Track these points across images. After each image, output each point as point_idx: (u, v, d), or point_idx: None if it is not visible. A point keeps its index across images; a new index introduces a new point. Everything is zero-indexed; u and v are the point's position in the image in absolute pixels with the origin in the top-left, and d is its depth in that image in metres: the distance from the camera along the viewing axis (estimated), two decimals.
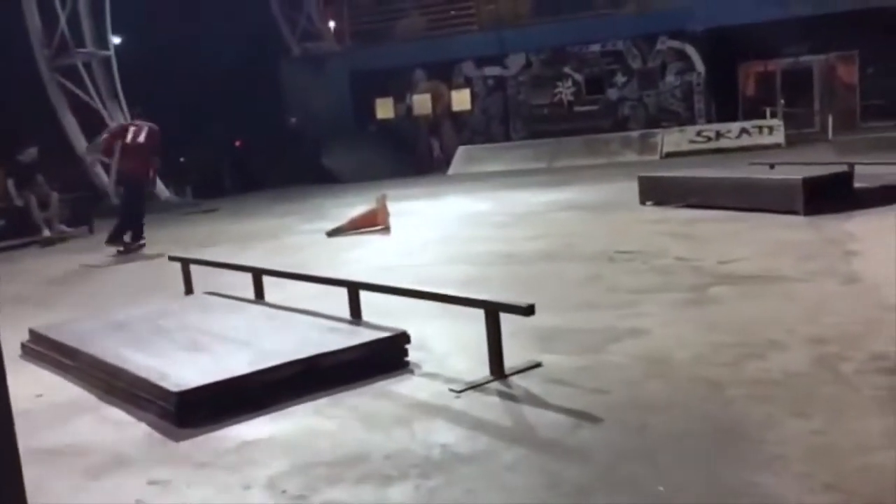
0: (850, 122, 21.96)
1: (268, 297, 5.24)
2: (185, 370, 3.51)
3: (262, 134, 21.67)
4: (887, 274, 4.86)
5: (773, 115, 19.52)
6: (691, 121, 21.35)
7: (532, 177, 16.30)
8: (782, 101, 20.30)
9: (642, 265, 5.83)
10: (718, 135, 18.98)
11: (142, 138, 9.47)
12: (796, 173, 8.03)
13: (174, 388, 3.27)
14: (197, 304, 5.15)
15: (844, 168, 8.47)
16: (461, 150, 21.57)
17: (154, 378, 3.45)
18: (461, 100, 24.09)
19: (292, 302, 4.90)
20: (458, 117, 24.13)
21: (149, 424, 3.25)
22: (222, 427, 3.14)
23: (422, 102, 24.26)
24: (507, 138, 23.40)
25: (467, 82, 24.18)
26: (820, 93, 22.91)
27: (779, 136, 18.50)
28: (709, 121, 21.51)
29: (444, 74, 24.08)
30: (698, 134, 19.21)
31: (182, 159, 19.31)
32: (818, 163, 10.23)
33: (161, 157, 10.10)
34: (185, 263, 6.28)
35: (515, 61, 23.88)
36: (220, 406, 3.26)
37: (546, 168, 18.68)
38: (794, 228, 6.90)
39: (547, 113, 23.50)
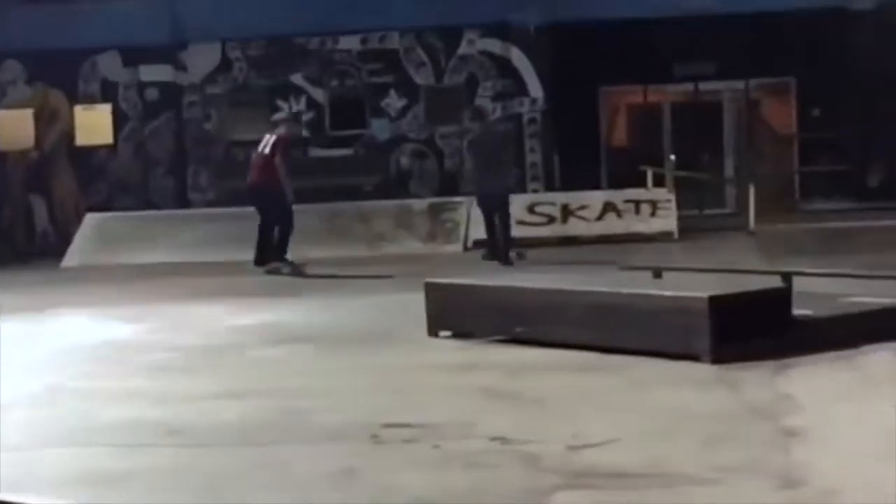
0: (785, 199, 24.28)
1: None
2: None
3: None
4: (847, 470, 5.24)
5: (660, 183, 21.01)
6: (519, 186, 22.50)
7: (227, 277, 16.30)
8: (673, 158, 21.97)
9: (432, 451, 5.93)
10: (567, 212, 20.12)
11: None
12: (699, 289, 8.62)
13: None
14: None
15: (778, 282, 9.28)
16: (91, 222, 21.15)
17: None
18: (93, 125, 23.91)
19: None
20: (86, 158, 23.87)
21: None
22: None
23: (14, 126, 23.70)
24: (183, 204, 23.46)
25: (106, 93, 24.10)
26: (735, 146, 25.21)
27: (668, 221, 19.93)
28: (550, 186, 22.84)
29: (60, 76, 23.85)
30: (531, 209, 20.21)
31: None
32: (735, 270, 11.10)
33: None
34: None
35: (201, 58, 24.25)
36: None
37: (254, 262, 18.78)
38: (697, 387, 7.30)
39: None
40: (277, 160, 16.15)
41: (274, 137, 16.45)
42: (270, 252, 16.21)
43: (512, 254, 16.28)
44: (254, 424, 6.83)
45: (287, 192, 16.28)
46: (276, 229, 16.25)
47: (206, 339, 10.49)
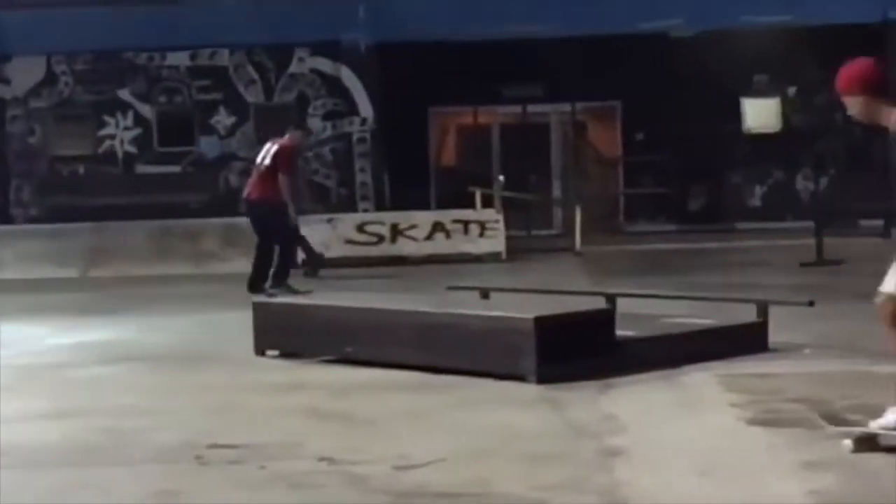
0: (610, 220, 24.77)
1: None
2: None
3: None
4: (667, 489, 5.37)
5: (489, 204, 21.23)
6: (349, 205, 22.54)
7: (49, 294, 15.98)
8: (501, 179, 22.23)
9: (258, 472, 5.89)
10: (396, 232, 20.19)
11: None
12: (525, 309, 8.74)
13: None
14: None
15: (602, 303, 9.47)
16: None
17: None
18: None
19: None
20: None
21: None
22: None
23: None
24: (5, 219, 22.92)
25: None
26: (562, 168, 25.64)
27: (497, 241, 20.13)
28: (380, 206, 22.90)
29: None
30: (361, 229, 20.25)
31: None
32: (561, 291, 11.29)
33: None
34: None
35: (25, 71, 23.76)
36: None
37: (78, 279, 18.41)
38: (522, 407, 7.40)
39: (84, 174, 23.48)
40: (281, 176, 14.28)
41: (276, 147, 14.59)
42: (266, 277, 14.23)
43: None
44: (77, 445, 6.72)
45: (290, 208, 14.54)
46: (276, 251, 14.38)
47: (28, 357, 10.28)
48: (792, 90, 25.26)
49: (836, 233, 18.27)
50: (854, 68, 6.26)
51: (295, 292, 13.57)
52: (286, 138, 14.81)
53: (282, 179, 14.24)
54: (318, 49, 23.73)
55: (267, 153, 14.54)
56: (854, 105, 6.22)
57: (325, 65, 23.84)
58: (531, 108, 25.35)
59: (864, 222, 22.15)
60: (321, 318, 9.60)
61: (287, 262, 14.55)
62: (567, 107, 25.30)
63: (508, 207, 20.93)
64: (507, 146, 25.02)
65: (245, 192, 15.01)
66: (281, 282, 14.12)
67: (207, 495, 5.55)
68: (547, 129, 25.90)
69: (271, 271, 14.18)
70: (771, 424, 6.60)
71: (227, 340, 10.49)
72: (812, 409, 6.87)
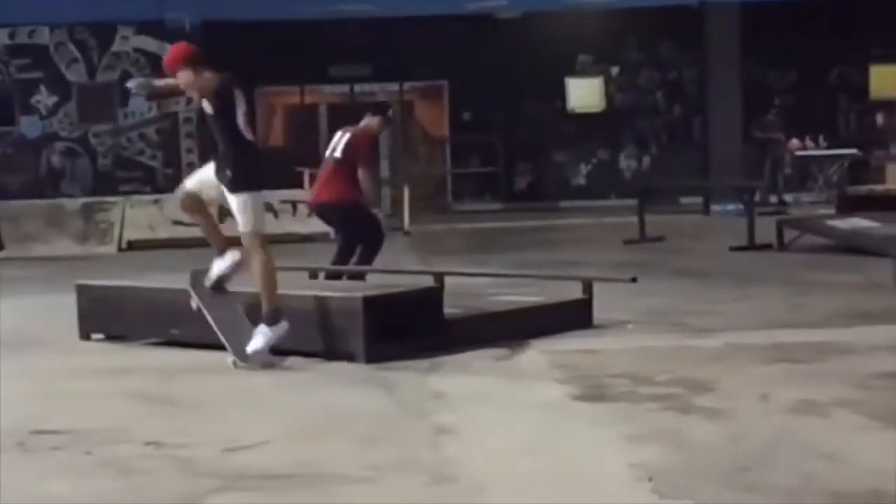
0: (438, 200, 24.95)
1: None
2: None
3: None
4: (495, 465, 5.44)
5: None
6: (176, 185, 22.22)
7: None
8: None
9: (84, 457, 5.80)
10: (223, 213, 20.03)
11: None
12: (353, 289, 8.79)
13: None
14: None
15: (430, 282, 9.53)
16: None
17: None
18: None
19: None
20: None
21: None
22: None
23: None
24: None
25: None
26: (390, 149, 25.70)
27: None
28: None
29: None
30: None
31: None
32: (389, 270, 11.31)
33: None
34: None
35: None
36: None
37: None
38: (351, 386, 7.42)
39: None
40: (360, 170, 11.65)
41: (348, 136, 11.86)
42: (340, 278, 11.51)
43: None
44: None
45: (372, 202, 12.48)
46: (359, 249, 11.66)
47: None
48: (615, 70, 25.74)
49: (658, 210, 18.70)
50: (175, 49, 8.52)
51: None
52: (361, 125, 12.10)
53: (361, 174, 11.67)
54: (143, 28, 23.38)
55: (337, 144, 11.95)
56: (183, 77, 8.26)
57: (149, 43, 23.49)
58: (359, 88, 25.35)
59: (684, 199, 22.74)
60: (146, 300, 9.45)
61: (367, 263, 11.77)
62: (395, 87, 25.37)
63: None
64: (334, 126, 24.87)
65: (313, 194, 12.34)
66: None
67: (31, 483, 5.44)
68: None
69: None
70: (595, 399, 6.73)
71: (50, 324, 10.26)
72: (634, 384, 7.04)
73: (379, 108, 12.83)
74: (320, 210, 12.06)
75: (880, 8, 23.57)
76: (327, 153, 12.01)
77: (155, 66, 23.30)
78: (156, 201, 19.82)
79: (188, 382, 7.81)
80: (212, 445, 5.98)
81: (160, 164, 23.49)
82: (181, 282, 8.95)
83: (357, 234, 11.67)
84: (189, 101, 22.87)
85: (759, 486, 4.88)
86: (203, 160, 23.22)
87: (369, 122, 12.07)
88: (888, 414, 6.02)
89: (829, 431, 5.80)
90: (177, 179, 22.68)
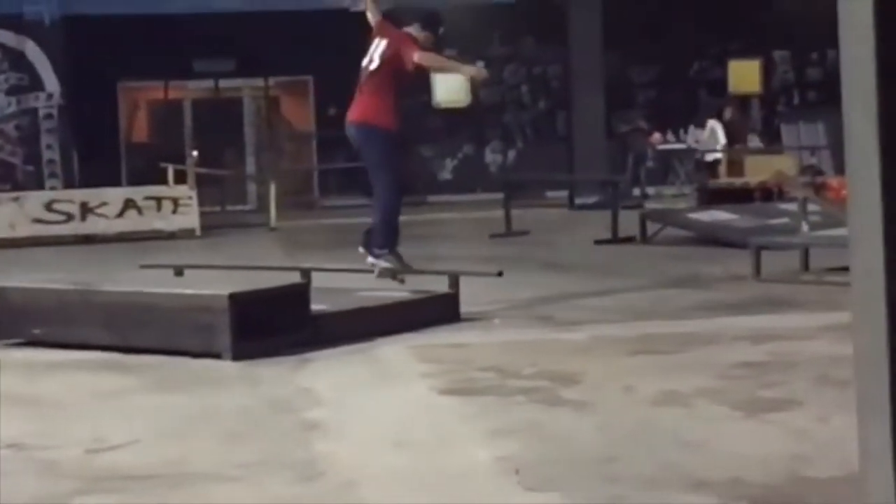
0: (305, 195, 24.87)
1: None
2: None
3: None
4: (363, 460, 5.46)
5: (182, 180, 20.97)
6: (37, 182, 21.91)
7: None
8: (195, 155, 22.00)
9: None
10: (86, 210, 19.72)
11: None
12: (219, 286, 8.66)
13: None
14: None
15: (297, 278, 9.50)
16: None
17: None
18: None
19: None
20: None
21: None
22: None
23: None
24: None
25: None
26: (256, 143, 25.58)
27: (190, 218, 19.92)
28: (69, 184, 22.31)
29: None
30: (49, 207, 19.69)
31: None
32: (256, 266, 11.27)
33: None
34: None
35: None
36: None
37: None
38: (218, 384, 7.38)
39: None
40: (418, 56, 9.53)
41: (386, 40, 9.68)
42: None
43: None
44: None
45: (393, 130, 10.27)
46: (381, 200, 9.95)
47: None
48: (480, 65, 25.87)
49: (524, 204, 18.86)
50: None
51: (400, 262, 9.79)
52: (406, 30, 9.87)
53: (419, 58, 9.55)
54: (1, 22, 22.84)
55: (373, 53, 9.80)
56: None
57: (7, 38, 22.95)
58: (223, 83, 25.18)
59: (550, 193, 22.96)
60: (5, 299, 9.24)
61: (391, 217, 9.93)
62: (260, 81, 25.25)
63: (202, 183, 20.68)
64: (199, 121, 24.71)
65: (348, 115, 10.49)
66: (387, 243, 9.80)
67: None
68: (240, 103, 25.82)
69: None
70: (462, 393, 6.78)
71: None
72: (501, 377, 7.10)
73: (430, 21, 10.19)
74: (349, 131, 10.49)
75: (739, 3, 24.11)
76: (363, 65, 10.04)
77: (14, 61, 22.89)
78: (16, 199, 19.41)
79: (51, 383, 7.66)
80: (76, 446, 5.89)
81: (20, 161, 22.98)
82: (40, 280, 8.81)
83: (381, 170, 10.11)
84: (49, 96, 22.80)
85: (623, 476, 4.96)
86: (64, 158, 22.95)
87: (417, 34, 9.85)
88: (749, 403, 6.16)
89: (692, 421, 5.91)
90: (37, 177, 22.39)
